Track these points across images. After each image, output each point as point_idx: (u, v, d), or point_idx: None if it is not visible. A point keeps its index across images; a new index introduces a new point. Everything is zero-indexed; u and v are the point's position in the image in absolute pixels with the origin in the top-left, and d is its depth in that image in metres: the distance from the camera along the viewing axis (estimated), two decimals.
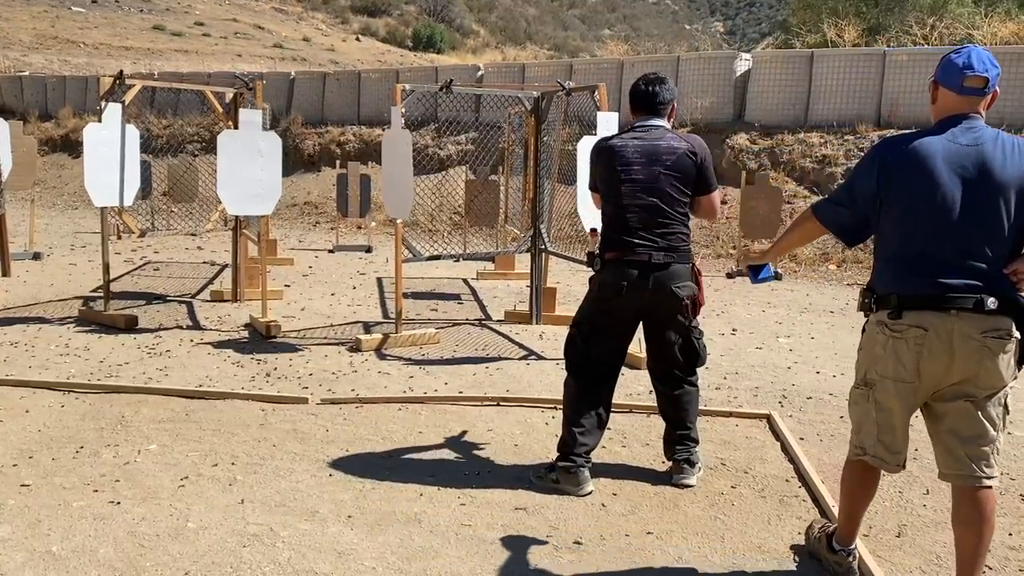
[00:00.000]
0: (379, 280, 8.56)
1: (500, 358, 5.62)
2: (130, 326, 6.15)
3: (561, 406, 3.69)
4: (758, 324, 6.82)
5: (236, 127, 6.54)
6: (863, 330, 2.67)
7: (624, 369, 5.29)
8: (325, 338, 6.13)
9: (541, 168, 6.36)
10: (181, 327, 6.32)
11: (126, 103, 6.14)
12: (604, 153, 3.55)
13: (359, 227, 12.68)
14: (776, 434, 4.23)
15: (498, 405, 4.62)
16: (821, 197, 2.82)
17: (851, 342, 6.19)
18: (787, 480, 3.67)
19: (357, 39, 40.25)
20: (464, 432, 4.19)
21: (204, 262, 9.48)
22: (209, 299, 7.38)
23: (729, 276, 9.07)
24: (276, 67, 28.21)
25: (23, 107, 19.47)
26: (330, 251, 10.62)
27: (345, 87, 15.81)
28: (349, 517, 3.23)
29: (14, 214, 10.53)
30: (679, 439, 3.60)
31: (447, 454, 3.91)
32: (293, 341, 5.99)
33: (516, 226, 7.91)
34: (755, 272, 3.07)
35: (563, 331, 6.37)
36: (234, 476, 3.60)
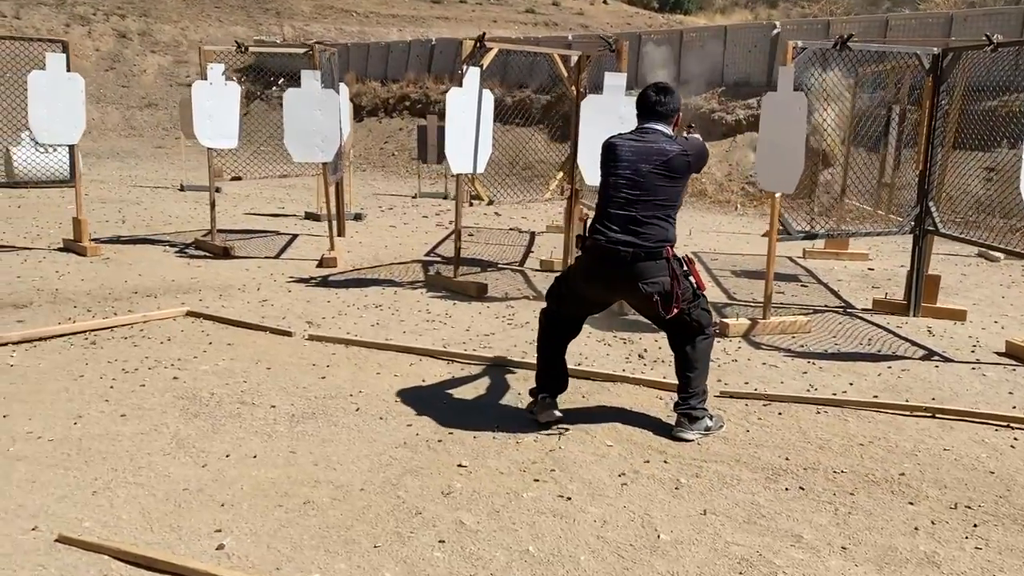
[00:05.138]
0: (694, 255, 8.05)
1: (897, 356, 4.93)
2: (480, 294, 6.07)
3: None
4: None
5: (579, 92, 6.26)
6: None
7: None
8: None
9: (935, 137, 5.52)
10: (527, 297, 6.16)
11: (483, 67, 6.00)
12: None
13: None
14: None
15: (934, 417, 3.97)
16: None
17: None
18: None
19: (604, 2, 39.61)
20: (914, 448, 3.60)
21: (510, 229, 9.44)
22: (539, 268, 7.24)
23: None
24: (528, 32, 28.28)
25: None
26: None
27: None
28: (843, 548, 2.76)
29: None
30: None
31: (910, 476, 3.32)
32: (645, 319, 5.62)
33: (866, 202, 7.07)
34: None
35: (951, 326, 5.58)
36: (677, 478, 3.26)
